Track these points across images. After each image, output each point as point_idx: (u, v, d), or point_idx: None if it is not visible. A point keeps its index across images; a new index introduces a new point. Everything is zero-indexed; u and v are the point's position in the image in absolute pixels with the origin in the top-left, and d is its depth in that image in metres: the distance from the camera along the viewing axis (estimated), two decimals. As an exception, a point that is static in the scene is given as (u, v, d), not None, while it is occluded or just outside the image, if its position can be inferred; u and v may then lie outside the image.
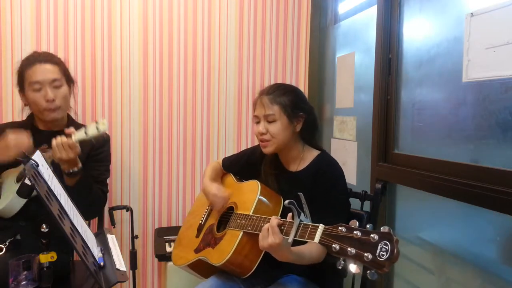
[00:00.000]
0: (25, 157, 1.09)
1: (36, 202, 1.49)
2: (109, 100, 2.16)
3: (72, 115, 1.81)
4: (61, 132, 1.59)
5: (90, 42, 2.11)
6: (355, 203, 1.45)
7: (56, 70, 1.61)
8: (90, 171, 1.64)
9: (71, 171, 1.48)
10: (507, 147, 1.19)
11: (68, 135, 1.45)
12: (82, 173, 1.52)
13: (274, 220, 1.13)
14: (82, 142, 1.47)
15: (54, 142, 1.43)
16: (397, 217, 1.76)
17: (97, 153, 1.68)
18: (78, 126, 1.69)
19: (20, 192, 1.46)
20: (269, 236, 1.10)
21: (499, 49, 1.19)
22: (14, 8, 2.00)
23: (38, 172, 1.06)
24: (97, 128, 1.45)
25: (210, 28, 2.26)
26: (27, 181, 1.01)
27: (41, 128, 1.67)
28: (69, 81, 1.68)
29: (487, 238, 1.28)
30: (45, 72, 1.58)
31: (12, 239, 1.54)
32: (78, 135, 1.45)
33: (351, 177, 2.05)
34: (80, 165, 1.51)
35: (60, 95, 1.60)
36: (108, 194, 1.77)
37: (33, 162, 1.08)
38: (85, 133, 1.45)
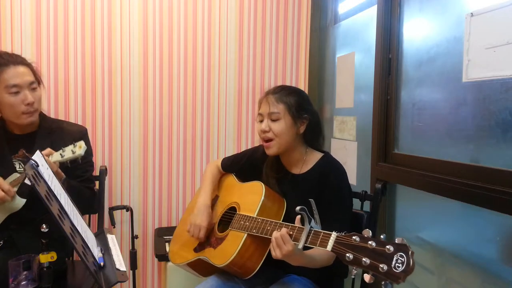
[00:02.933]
0: (25, 157, 1.09)
1: (25, 208, 1.50)
2: (109, 100, 2.16)
3: (45, 108, 1.77)
4: (35, 134, 1.60)
5: (90, 42, 2.11)
6: (355, 203, 1.45)
7: (30, 73, 1.55)
8: (74, 170, 1.61)
9: None
10: (507, 147, 1.19)
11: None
12: (68, 183, 1.51)
13: (284, 229, 1.13)
14: (58, 149, 1.46)
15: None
16: (397, 217, 1.76)
17: None
18: (52, 122, 1.68)
19: (20, 192, 1.47)
20: (282, 246, 1.10)
21: (499, 49, 1.19)
22: (14, 8, 2.00)
23: (38, 172, 1.06)
24: (73, 152, 1.44)
25: (210, 28, 2.26)
26: (27, 181, 1.01)
27: (16, 133, 1.62)
28: (40, 83, 1.62)
29: (487, 238, 1.28)
30: (22, 75, 1.51)
31: (6, 239, 1.54)
32: (54, 157, 1.44)
33: (351, 177, 2.04)
34: (63, 176, 1.49)
35: (37, 98, 1.56)
36: (95, 188, 1.76)
37: (33, 162, 1.08)
38: (61, 155, 1.44)
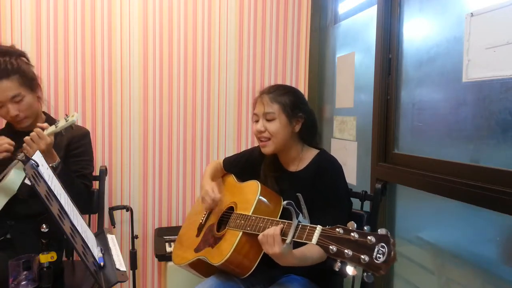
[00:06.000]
0: (25, 157, 1.10)
1: (22, 202, 1.50)
2: (109, 100, 2.16)
3: (45, 108, 1.79)
4: None
5: (90, 42, 2.11)
6: (355, 203, 1.45)
7: (14, 85, 1.51)
8: (71, 166, 1.64)
9: (49, 165, 1.47)
10: (507, 147, 1.19)
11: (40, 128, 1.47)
12: (62, 168, 1.53)
13: (278, 228, 1.13)
14: (57, 136, 1.51)
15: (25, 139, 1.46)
16: (397, 217, 1.76)
17: (76, 147, 1.68)
18: (56, 122, 1.71)
19: (20, 192, 1.48)
20: (271, 244, 1.11)
21: (499, 49, 1.19)
22: (14, 7, 2.00)
23: (38, 172, 1.06)
24: (66, 120, 1.48)
25: (210, 28, 2.27)
26: (27, 181, 1.01)
27: (21, 129, 1.64)
28: (31, 86, 1.58)
29: (487, 238, 1.28)
30: (2, 91, 1.49)
31: (2, 238, 1.55)
32: (49, 129, 1.48)
33: (351, 177, 2.04)
34: (58, 159, 1.52)
35: (23, 107, 1.55)
36: (92, 187, 1.77)
37: (33, 162, 1.08)
38: (55, 126, 1.49)
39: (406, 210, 1.72)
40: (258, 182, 1.43)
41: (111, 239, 1.28)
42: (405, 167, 1.60)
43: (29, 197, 1.48)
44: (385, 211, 1.77)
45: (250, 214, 1.33)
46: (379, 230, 0.89)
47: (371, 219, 1.44)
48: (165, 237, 2.07)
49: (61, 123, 1.49)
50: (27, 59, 1.65)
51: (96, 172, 1.89)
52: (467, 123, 1.34)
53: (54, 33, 2.06)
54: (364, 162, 1.93)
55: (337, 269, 0.93)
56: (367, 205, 1.51)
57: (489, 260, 1.28)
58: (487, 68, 1.23)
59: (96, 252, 1.09)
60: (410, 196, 1.67)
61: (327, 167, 1.38)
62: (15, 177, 1.48)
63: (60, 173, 1.50)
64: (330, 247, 0.95)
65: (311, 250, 1.20)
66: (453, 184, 1.32)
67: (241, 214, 1.36)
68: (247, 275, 1.30)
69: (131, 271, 1.91)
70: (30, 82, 1.58)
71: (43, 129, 1.46)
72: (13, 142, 1.51)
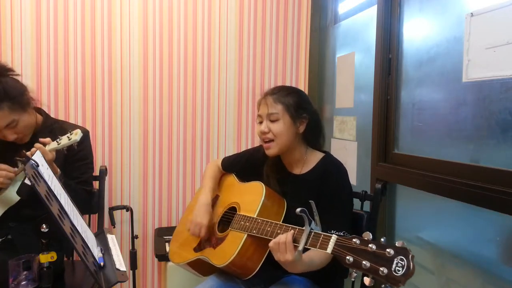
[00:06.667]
0: (25, 157, 1.10)
1: (27, 205, 1.50)
2: (109, 100, 2.16)
3: (45, 108, 1.75)
4: (38, 135, 1.59)
5: (90, 42, 2.11)
6: (355, 203, 1.45)
7: (4, 114, 1.46)
8: (71, 171, 1.62)
9: None
10: (507, 147, 1.19)
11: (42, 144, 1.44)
12: (63, 181, 1.51)
13: (290, 235, 1.12)
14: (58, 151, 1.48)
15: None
16: (397, 217, 1.76)
17: (77, 151, 1.63)
18: (54, 122, 1.69)
19: (20, 192, 1.47)
20: (283, 253, 1.10)
21: (499, 49, 1.19)
22: (14, 8, 2.00)
23: (38, 172, 1.06)
24: (69, 138, 1.45)
25: (210, 28, 2.27)
26: (27, 181, 1.01)
27: None
28: (23, 105, 1.51)
29: (487, 238, 1.28)
30: None
31: (3, 238, 1.54)
32: (51, 145, 1.46)
33: (351, 177, 2.03)
34: (59, 172, 1.50)
35: (20, 130, 1.52)
36: (95, 190, 1.77)
37: (33, 162, 1.08)
38: (57, 142, 1.46)
39: (406, 210, 1.72)
40: (263, 184, 1.42)
41: (111, 239, 1.28)
42: (405, 167, 1.60)
43: (28, 197, 1.48)
44: (385, 211, 1.77)
45: (255, 216, 1.31)
46: (396, 242, 0.89)
47: (371, 219, 1.43)
48: (165, 237, 2.07)
49: (64, 141, 1.46)
50: (12, 71, 1.55)
51: (96, 172, 1.89)
52: (467, 123, 1.34)
53: (54, 33, 2.06)
54: (364, 162, 1.93)
55: (353, 279, 0.94)
56: (367, 205, 1.51)
57: (489, 260, 1.28)
58: (487, 68, 1.23)
59: (96, 252, 1.09)
60: (410, 196, 1.67)
61: (332, 171, 1.36)
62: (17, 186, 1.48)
63: (62, 186, 1.49)
64: (347, 257, 0.94)
65: (318, 254, 1.19)
66: (453, 184, 1.32)
67: (246, 216, 1.35)
68: (249, 277, 1.30)
69: (131, 271, 1.91)
70: (20, 102, 1.51)
71: (45, 144, 1.44)
72: (13, 175, 1.46)
